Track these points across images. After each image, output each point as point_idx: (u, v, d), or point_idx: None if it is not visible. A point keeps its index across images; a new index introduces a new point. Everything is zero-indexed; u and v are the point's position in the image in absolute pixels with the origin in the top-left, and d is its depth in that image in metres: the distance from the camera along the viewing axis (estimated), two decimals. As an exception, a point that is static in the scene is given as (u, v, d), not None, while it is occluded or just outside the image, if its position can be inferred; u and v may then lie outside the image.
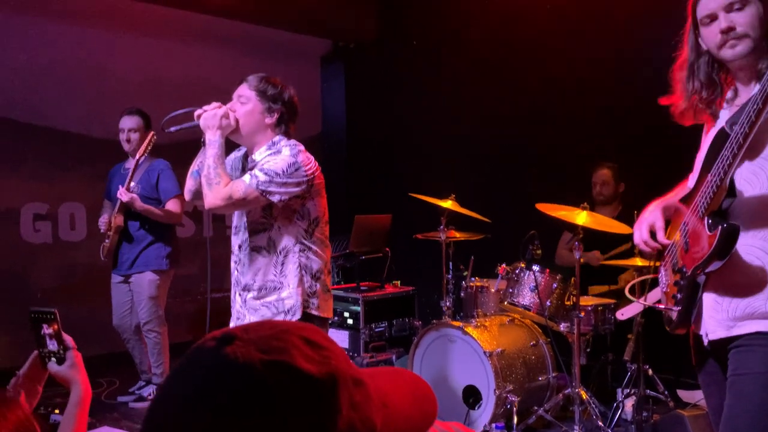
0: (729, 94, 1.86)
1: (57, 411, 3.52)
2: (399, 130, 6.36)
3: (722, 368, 1.82)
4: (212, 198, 2.39)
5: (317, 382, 0.66)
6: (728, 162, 1.65)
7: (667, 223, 1.97)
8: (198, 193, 2.54)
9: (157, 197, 4.25)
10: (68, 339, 1.56)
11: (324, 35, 6.85)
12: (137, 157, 4.11)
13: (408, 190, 4.40)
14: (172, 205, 4.23)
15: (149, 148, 4.11)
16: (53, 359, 1.55)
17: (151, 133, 4.14)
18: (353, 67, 7.02)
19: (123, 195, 4.04)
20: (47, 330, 1.55)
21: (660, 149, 4.28)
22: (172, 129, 2.61)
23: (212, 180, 2.40)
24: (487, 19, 5.56)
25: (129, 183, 4.08)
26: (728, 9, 1.74)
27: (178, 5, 5.54)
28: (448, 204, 4.16)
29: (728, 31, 1.73)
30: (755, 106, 1.57)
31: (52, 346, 1.55)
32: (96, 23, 5.56)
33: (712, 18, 1.77)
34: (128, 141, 4.24)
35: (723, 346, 1.79)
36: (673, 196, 2.06)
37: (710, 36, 1.79)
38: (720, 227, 1.66)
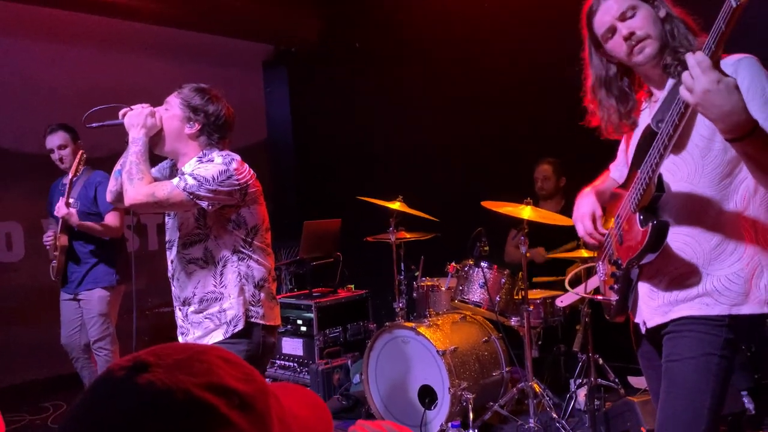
0: (645, 101, 1.93)
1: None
2: (344, 134, 6.34)
3: (659, 353, 1.88)
4: (133, 193, 2.32)
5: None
6: (655, 162, 1.70)
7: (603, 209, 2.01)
8: (119, 195, 2.45)
9: (97, 211, 4.12)
10: None
11: (265, 40, 6.78)
12: (70, 177, 3.98)
13: (356, 193, 4.38)
14: (111, 218, 4.11)
15: (81, 167, 3.99)
16: None
17: (81, 152, 4.02)
18: (296, 71, 6.97)
19: (60, 210, 3.91)
20: None
21: (601, 143, 4.36)
22: (94, 125, 2.54)
23: (134, 176, 2.34)
24: (428, 21, 5.59)
25: (68, 198, 3.94)
26: (622, 18, 1.80)
27: (111, 14, 5.39)
28: (396, 205, 4.16)
29: (630, 36, 1.79)
30: (678, 109, 1.59)
31: None
32: (27, 34, 5.36)
33: (612, 31, 1.83)
34: (61, 160, 4.08)
35: (658, 331, 1.85)
36: (601, 183, 2.13)
37: (617, 48, 1.83)
38: (651, 224, 1.71)
